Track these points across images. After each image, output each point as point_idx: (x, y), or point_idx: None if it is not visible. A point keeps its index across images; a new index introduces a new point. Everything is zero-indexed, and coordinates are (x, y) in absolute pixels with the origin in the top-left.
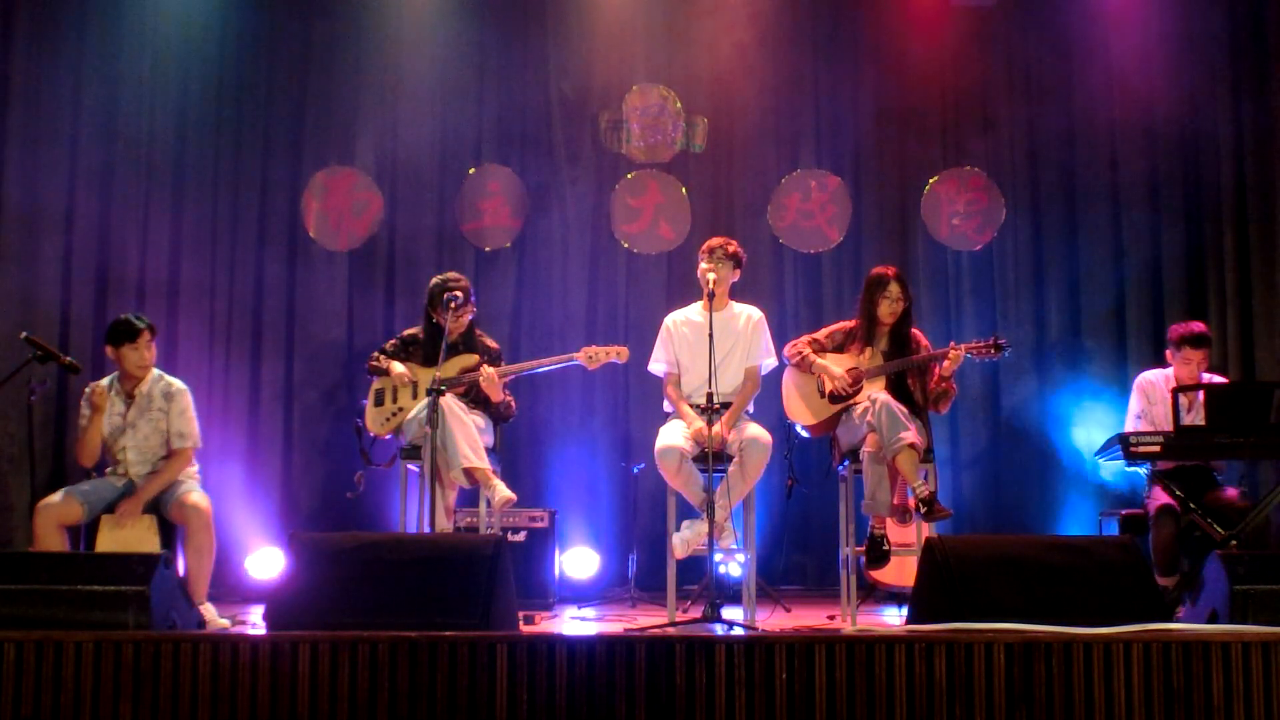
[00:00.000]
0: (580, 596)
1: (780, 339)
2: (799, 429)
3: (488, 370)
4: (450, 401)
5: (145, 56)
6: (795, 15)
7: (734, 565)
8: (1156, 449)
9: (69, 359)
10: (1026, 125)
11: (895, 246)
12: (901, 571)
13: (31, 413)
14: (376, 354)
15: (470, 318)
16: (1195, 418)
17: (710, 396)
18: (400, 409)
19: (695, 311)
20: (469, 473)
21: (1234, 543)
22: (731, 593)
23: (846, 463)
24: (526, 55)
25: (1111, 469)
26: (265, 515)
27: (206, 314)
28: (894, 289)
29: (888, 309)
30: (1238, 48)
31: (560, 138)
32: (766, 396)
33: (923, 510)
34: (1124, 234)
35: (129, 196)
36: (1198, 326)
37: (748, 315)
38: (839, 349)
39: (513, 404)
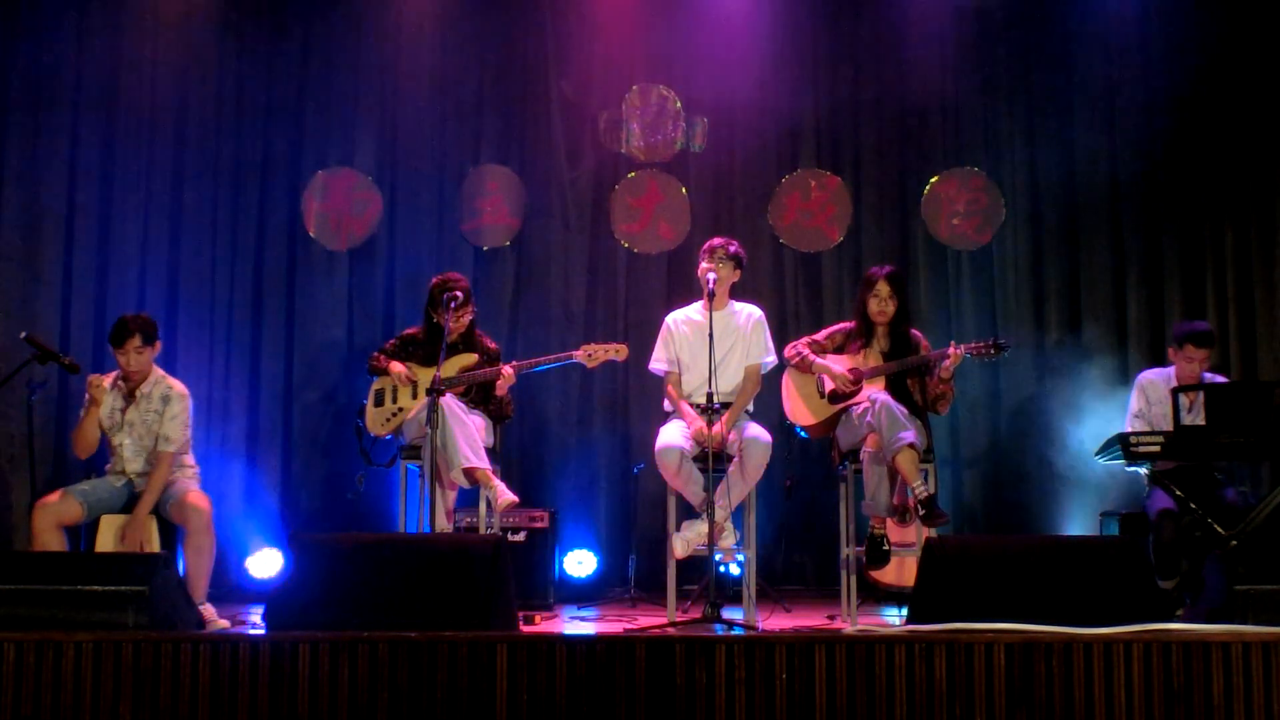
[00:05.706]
0: (580, 597)
1: (780, 339)
2: (799, 430)
3: (507, 371)
4: (450, 401)
5: (145, 55)
6: (795, 15)
7: (734, 565)
8: (1156, 449)
9: (69, 359)
10: (1026, 125)
11: (895, 246)
12: (901, 571)
13: (31, 413)
14: (376, 354)
15: (470, 318)
16: (1195, 418)
17: (710, 396)
18: (400, 409)
19: (695, 311)
20: (469, 473)
21: (1234, 542)
22: (731, 593)
23: (846, 463)
24: (526, 55)
25: (1111, 469)
26: (265, 515)
27: (206, 313)
28: (882, 288)
29: (876, 308)
30: (1237, 47)
31: (560, 138)
32: (766, 397)
33: (922, 512)
34: (1124, 234)
35: (129, 196)
36: (1202, 325)
37: (748, 314)
38: (839, 350)
39: (510, 405)
